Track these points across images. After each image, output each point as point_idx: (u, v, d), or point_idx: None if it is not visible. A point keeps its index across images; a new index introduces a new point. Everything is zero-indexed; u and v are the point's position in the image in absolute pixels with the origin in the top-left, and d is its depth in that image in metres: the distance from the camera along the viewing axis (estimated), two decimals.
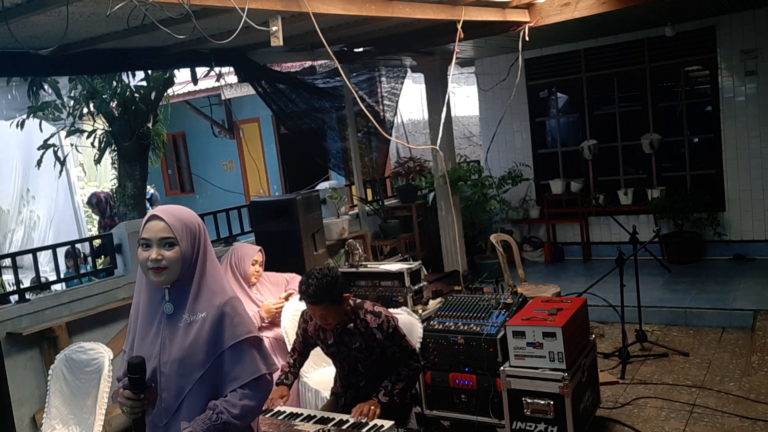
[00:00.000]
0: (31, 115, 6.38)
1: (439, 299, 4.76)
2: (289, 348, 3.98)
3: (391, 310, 3.71)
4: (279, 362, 4.11)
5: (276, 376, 2.87)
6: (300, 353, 3.48)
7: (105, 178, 10.87)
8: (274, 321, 4.25)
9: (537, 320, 3.61)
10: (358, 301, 3.27)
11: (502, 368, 3.67)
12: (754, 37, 7.00)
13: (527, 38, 5.63)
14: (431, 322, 4.05)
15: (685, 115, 7.65)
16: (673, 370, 4.89)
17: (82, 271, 5.48)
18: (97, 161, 7.13)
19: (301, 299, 3.12)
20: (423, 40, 6.04)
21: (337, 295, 3.05)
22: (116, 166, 6.81)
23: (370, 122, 7.43)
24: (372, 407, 3.01)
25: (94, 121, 6.72)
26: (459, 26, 4.91)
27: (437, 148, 6.27)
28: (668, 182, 7.71)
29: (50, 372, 3.64)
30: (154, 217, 1.99)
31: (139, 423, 1.97)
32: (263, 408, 3.12)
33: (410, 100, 9.88)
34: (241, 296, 4.32)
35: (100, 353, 3.53)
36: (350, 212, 7.40)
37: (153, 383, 1.98)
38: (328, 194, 6.85)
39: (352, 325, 3.16)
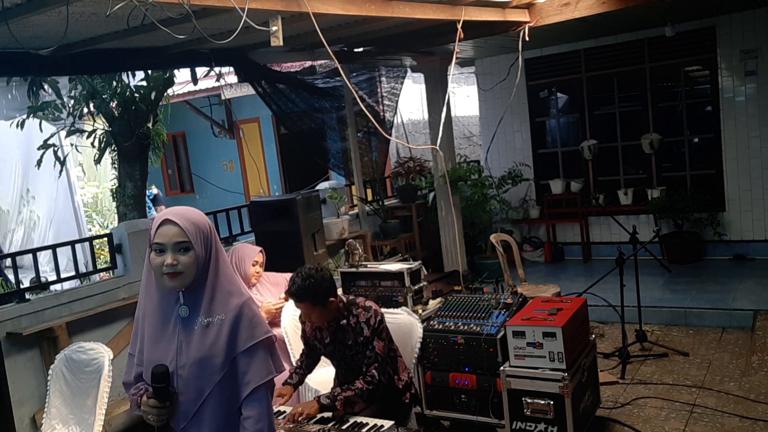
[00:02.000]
0: (31, 115, 6.38)
1: (439, 299, 4.76)
2: (289, 348, 3.99)
3: (391, 310, 3.72)
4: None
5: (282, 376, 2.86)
6: (307, 355, 3.48)
7: (105, 178, 10.89)
8: (274, 321, 4.25)
9: (537, 320, 3.61)
10: (351, 297, 3.29)
11: (502, 368, 3.66)
12: (754, 37, 7.00)
13: (527, 38, 5.63)
14: (431, 322, 4.05)
15: (685, 115, 7.65)
16: (673, 370, 4.89)
17: None
18: (97, 161, 7.14)
19: (286, 293, 3.15)
20: (423, 40, 6.04)
21: (319, 298, 3.08)
22: (116, 166, 6.81)
23: (370, 122, 7.42)
24: (305, 411, 3.01)
25: (94, 121, 6.72)
26: (459, 26, 4.91)
27: (437, 148, 6.27)
28: (668, 182, 7.71)
29: (50, 372, 3.64)
30: (168, 221, 1.95)
31: (165, 429, 1.97)
32: None
33: (410, 100, 9.88)
34: None
35: (100, 353, 3.53)
36: (350, 212, 7.40)
37: (174, 389, 1.96)
38: (328, 194, 6.85)
39: (345, 321, 3.19)
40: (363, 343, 3.16)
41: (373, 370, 3.14)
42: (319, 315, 3.14)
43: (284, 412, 3.16)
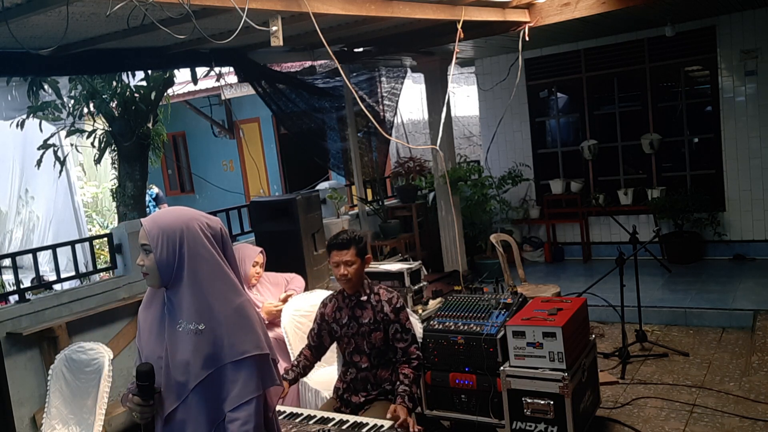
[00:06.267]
0: (31, 115, 6.37)
1: (439, 299, 4.76)
2: (290, 348, 3.98)
3: None
4: (279, 363, 4.12)
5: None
6: (307, 358, 3.46)
7: (105, 178, 10.88)
8: (274, 321, 4.25)
9: (537, 320, 3.61)
10: (374, 281, 3.46)
11: (502, 368, 3.67)
12: (754, 37, 7.00)
13: (527, 38, 5.63)
14: (431, 322, 4.05)
15: (685, 115, 7.65)
16: (673, 370, 4.89)
17: None
18: (97, 161, 7.13)
19: (329, 251, 3.35)
20: (423, 40, 6.04)
21: (362, 249, 3.33)
22: (116, 166, 6.81)
23: (370, 122, 7.42)
24: (405, 416, 2.98)
25: (94, 121, 6.71)
26: (459, 26, 4.91)
27: (437, 148, 6.27)
28: (668, 182, 7.71)
29: (50, 372, 3.64)
30: (141, 223, 2.03)
31: (150, 427, 1.98)
32: None
33: (410, 100, 9.88)
34: None
35: (100, 353, 3.53)
36: (350, 212, 7.40)
37: (161, 388, 1.97)
38: (328, 194, 6.85)
39: (365, 297, 3.33)
40: (384, 320, 3.27)
41: (415, 351, 3.30)
42: (356, 270, 3.30)
43: (284, 411, 3.16)
